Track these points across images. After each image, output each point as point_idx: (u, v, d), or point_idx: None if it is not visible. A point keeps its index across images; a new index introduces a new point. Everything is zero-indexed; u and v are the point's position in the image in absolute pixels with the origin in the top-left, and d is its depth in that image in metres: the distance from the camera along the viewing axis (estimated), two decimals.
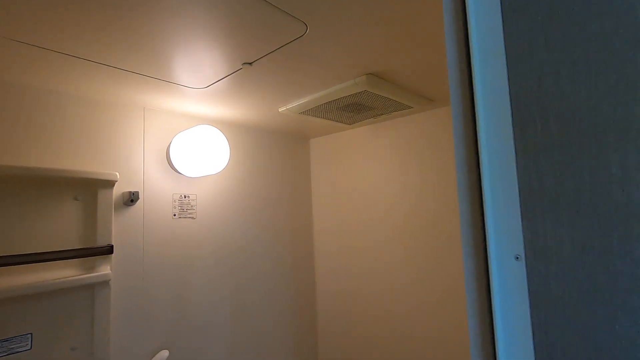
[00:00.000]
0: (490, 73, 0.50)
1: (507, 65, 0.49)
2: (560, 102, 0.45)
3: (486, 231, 0.49)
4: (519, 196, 0.47)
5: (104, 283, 1.50)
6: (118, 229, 1.62)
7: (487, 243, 0.49)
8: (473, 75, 0.51)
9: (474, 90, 0.51)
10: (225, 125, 2.08)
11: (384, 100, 1.63)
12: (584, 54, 0.43)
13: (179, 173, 1.82)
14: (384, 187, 2.13)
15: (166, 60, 1.20)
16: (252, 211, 2.16)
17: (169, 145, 1.78)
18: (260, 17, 0.94)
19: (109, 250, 1.53)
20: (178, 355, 1.74)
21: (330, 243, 2.41)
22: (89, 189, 1.52)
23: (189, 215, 1.86)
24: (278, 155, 2.35)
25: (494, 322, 0.48)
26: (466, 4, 0.52)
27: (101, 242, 1.52)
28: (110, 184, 1.56)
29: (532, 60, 0.47)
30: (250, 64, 1.21)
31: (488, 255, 0.49)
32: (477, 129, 0.50)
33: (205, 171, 1.79)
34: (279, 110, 1.83)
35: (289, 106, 1.75)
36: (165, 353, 1.66)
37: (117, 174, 1.57)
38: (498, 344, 0.48)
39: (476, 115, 0.51)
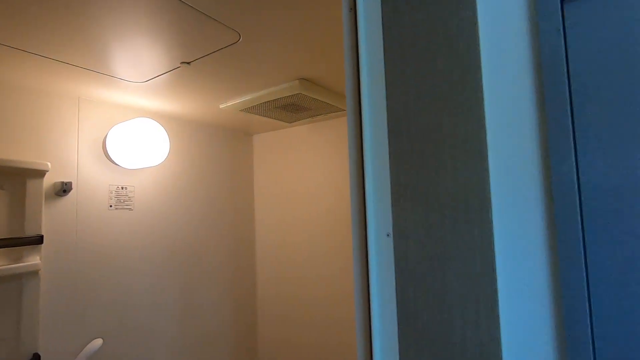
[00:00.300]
0: (375, 94, 0.65)
1: (385, 88, 0.64)
2: (417, 119, 0.60)
3: (367, 215, 0.64)
4: (390, 188, 0.62)
5: (33, 273, 1.48)
6: (49, 219, 1.60)
7: (367, 224, 0.64)
8: (362, 93, 0.66)
9: (361, 105, 0.65)
10: (167, 119, 2.10)
11: (318, 102, 1.77)
12: (430, 84, 0.59)
13: (116, 164, 1.82)
14: (324, 184, 2.28)
15: (103, 54, 1.23)
16: (194, 204, 2.20)
17: (106, 136, 1.78)
18: (195, 23, 1.03)
19: (38, 240, 1.51)
20: (112, 346, 1.76)
21: (272, 239, 2.52)
22: (17, 178, 1.49)
23: (126, 207, 1.87)
24: (221, 150, 2.41)
25: (370, 285, 0.63)
26: (359, 39, 0.66)
27: (30, 232, 1.50)
28: (40, 173, 1.53)
29: (402, 85, 0.62)
30: (188, 63, 1.28)
31: (368, 233, 0.64)
32: (363, 136, 0.65)
33: (144, 163, 1.81)
34: (220, 106, 1.90)
35: (230, 103, 1.83)
36: (98, 342, 1.68)
37: (49, 163, 1.55)
38: (372, 301, 0.63)
39: (363, 125, 0.65)
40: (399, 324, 0.60)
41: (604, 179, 0.50)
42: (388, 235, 0.63)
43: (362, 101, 0.65)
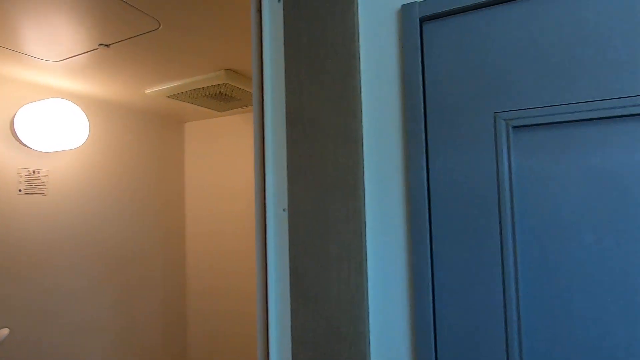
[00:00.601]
0: (276, 90, 0.75)
1: (285, 85, 0.74)
2: (309, 112, 0.71)
3: (266, 192, 0.74)
4: (287, 170, 0.73)
5: None
6: None
7: (267, 200, 0.74)
8: (264, 89, 0.75)
9: (264, 101, 0.75)
10: (88, 102, 2.01)
11: (246, 93, 1.83)
12: (320, 83, 0.70)
13: (27, 146, 1.72)
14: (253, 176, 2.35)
15: (13, 29, 1.18)
16: (118, 192, 2.14)
17: (14, 116, 1.67)
18: (114, 7, 1.04)
19: None
20: (20, 336, 1.68)
21: (203, 231, 2.52)
22: None
23: (38, 192, 1.77)
24: (149, 137, 2.35)
25: (267, 253, 0.73)
26: (263, 41, 0.76)
27: None
28: None
29: (298, 82, 0.73)
30: (107, 45, 1.27)
31: (267, 208, 0.74)
32: (264, 126, 0.74)
33: (59, 146, 1.73)
34: (146, 92, 1.87)
35: (156, 89, 1.82)
36: (4, 331, 1.59)
37: None
38: (269, 265, 0.73)
39: (264, 117, 0.75)
40: (290, 284, 0.71)
41: (446, 172, 0.65)
42: (284, 210, 0.73)
43: (265, 95, 0.75)
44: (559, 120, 0.59)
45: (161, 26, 1.15)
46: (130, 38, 1.22)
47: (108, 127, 2.12)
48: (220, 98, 1.97)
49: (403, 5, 0.68)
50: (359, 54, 0.70)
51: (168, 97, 1.91)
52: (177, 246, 2.52)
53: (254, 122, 0.76)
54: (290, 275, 0.71)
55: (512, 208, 0.60)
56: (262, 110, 0.75)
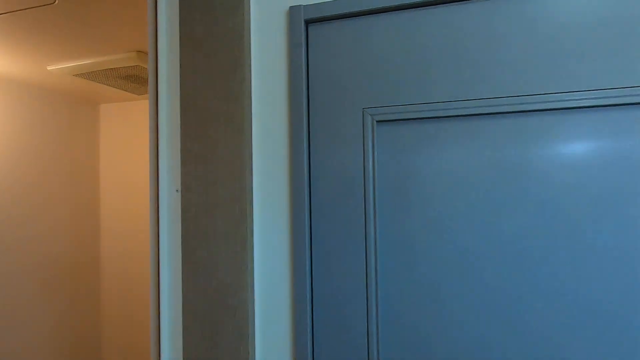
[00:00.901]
0: (172, 76, 0.78)
1: (180, 75, 0.78)
2: (201, 100, 0.76)
3: (160, 173, 0.77)
4: (180, 153, 0.77)
5: None
6: None
7: (159, 181, 0.77)
8: (159, 78, 0.78)
9: (158, 86, 0.78)
10: None
11: None
12: (212, 74, 0.75)
13: None
14: None
15: None
16: (18, 174, 1.96)
17: None
18: None
19: None
20: None
21: (119, 223, 2.41)
22: None
23: None
24: (56, 118, 2.18)
25: (160, 230, 0.77)
26: (158, 32, 0.78)
27: None
28: None
29: (192, 72, 0.77)
30: None
31: (159, 188, 0.77)
32: (159, 110, 0.78)
33: None
34: (48, 68, 1.75)
35: (60, 66, 1.71)
36: None
37: None
38: (162, 242, 0.77)
39: (159, 102, 0.78)
40: (182, 259, 0.76)
41: (325, 159, 0.74)
42: (177, 190, 0.78)
43: (160, 80, 0.78)
44: (415, 117, 0.70)
45: (57, 1, 1.10)
46: (22, 10, 1.15)
47: (8, 106, 1.93)
48: (135, 80, 1.90)
49: (291, 7, 0.75)
50: (249, 47, 0.76)
51: (75, 75, 1.80)
52: (91, 247, 2.39)
53: (149, 106, 0.79)
54: (182, 250, 0.76)
55: (374, 192, 0.72)
56: (156, 95, 0.78)
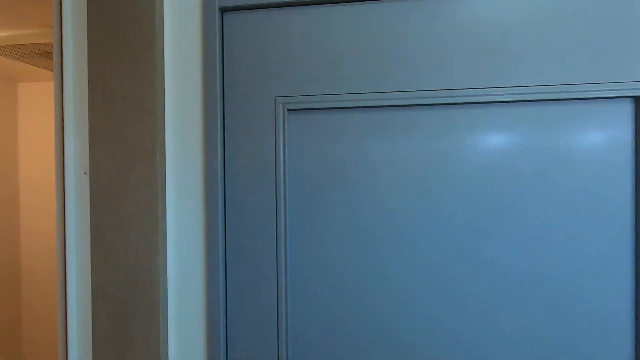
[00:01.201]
0: (78, 56, 0.76)
1: (87, 52, 0.76)
2: (110, 81, 0.75)
3: (66, 155, 0.76)
4: (88, 134, 0.76)
5: None
6: None
7: (66, 164, 0.76)
8: (64, 54, 0.76)
9: (63, 65, 0.76)
10: None
11: None
12: (121, 54, 0.75)
13: None
14: None
15: None
16: None
17: None
18: None
19: None
20: None
21: (44, 224, 2.24)
22: None
23: None
24: None
25: (66, 213, 0.76)
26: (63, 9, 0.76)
27: None
28: None
29: (100, 52, 0.75)
30: None
31: (66, 170, 0.76)
32: (64, 90, 0.75)
33: None
34: None
35: None
36: None
37: None
38: (68, 226, 0.76)
39: (64, 82, 0.76)
40: (91, 242, 0.75)
41: (238, 144, 0.77)
42: (85, 173, 0.76)
43: (65, 59, 0.75)
44: (326, 106, 0.75)
45: None
46: None
47: None
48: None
49: None
50: (162, 31, 0.76)
51: None
52: (10, 244, 2.20)
53: (54, 85, 0.76)
54: (91, 233, 0.75)
55: (284, 177, 0.76)
56: (61, 74, 0.76)
